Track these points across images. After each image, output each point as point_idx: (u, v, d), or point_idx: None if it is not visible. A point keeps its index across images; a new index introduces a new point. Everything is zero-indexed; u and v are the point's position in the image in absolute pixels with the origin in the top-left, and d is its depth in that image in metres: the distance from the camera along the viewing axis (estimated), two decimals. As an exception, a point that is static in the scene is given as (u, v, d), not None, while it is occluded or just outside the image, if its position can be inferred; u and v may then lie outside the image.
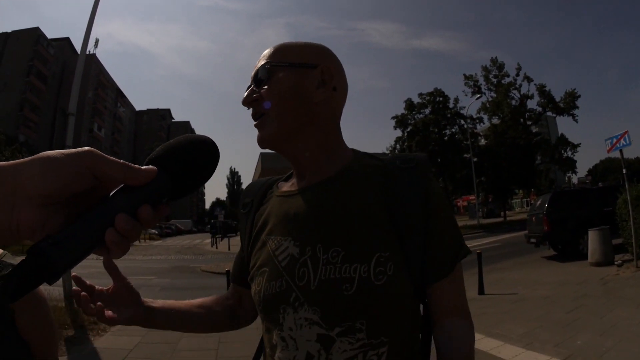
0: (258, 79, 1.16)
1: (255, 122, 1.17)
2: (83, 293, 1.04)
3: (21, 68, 68.87)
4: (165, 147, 0.73)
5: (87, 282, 1.08)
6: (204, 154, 0.75)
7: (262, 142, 1.17)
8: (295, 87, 1.14)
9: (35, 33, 71.53)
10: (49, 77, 72.64)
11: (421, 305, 1.15)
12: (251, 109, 1.18)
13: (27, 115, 69.38)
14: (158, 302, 1.26)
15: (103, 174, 0.61)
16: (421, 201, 1.09)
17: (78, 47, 77.26)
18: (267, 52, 1.19)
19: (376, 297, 1.01)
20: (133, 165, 0.64)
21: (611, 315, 6.69)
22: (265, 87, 1.14)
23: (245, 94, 1.17)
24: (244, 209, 1.33)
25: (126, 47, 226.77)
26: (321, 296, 1.03)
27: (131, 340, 6.90)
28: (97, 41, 74.57)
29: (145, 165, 0.68)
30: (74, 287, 1.05)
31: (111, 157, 0.62)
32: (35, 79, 70.79)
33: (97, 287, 1.11)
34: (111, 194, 0.64)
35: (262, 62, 1.16)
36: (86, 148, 0.61)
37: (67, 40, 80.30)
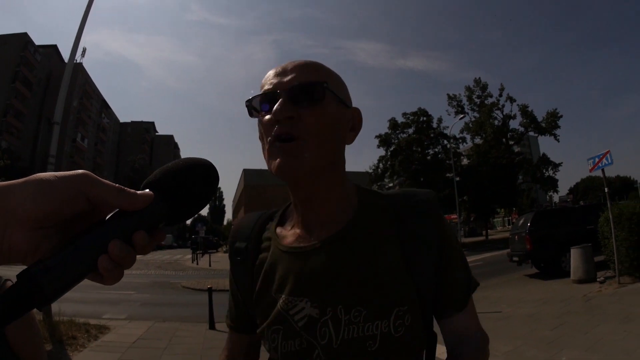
0: (304, 96, 1.02)
1: (280, 143, 1.01)
2: None
3: (7, 73, 68.26)
4: (163, 170, 0.71)
5: None
6: (203, 178, 0.72)
7: (290, 170, 1.01)
8: (338, 123, 1.07)
9: (23, 39, 71.09)
10: (34, 84, 72.09)
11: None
12: (275, 123, 1.02)
13: (10, 122, 68.70)
14: None
15: (97, 198, 0.59)
16: (437, 245, 1.09)
17: (65, 54, 75.44)
18: (311, 66, 1.07)
19: (397, 348, 1.02)
20: (129, 189, 0.62)
21: (595, 331, 6.71)
22: (312, 109, 1.01)
23: (280, 106, 0.99)
24: (238, 256, 1.24)
25: (112, 58, 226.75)
26: (345, 354, 1.01)
27: (110, 357, 6.82)
28: (84, 50, 74.56)
29: (142, 190, 0.66)
30: None
31: (106, 181, 0.61)
32: (20, 85, 70.27)
33: None
34: (106, 218, 0.63)
35: (314, 79, 1.03)
36: (81, 171, 0.60)
37: (54, 47, 79.79)
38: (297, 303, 1.06)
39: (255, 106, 1.07)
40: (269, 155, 1.03)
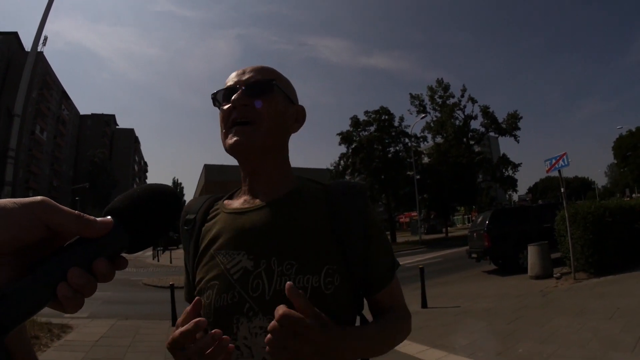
0: (257, 90, 1.24)
1: (237, 126, 1.22)
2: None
3: (-36, 60, 64.73)
4: (124, 198, 0.71)
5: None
6: (165, 206, 0.72)
7: (242, 146, 1.21)
8: (284, 114, 1.28)
9: None
10: None
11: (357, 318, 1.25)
12: (232, 111, 1.23)
13: (-35, 112, 65.15)
14: None
15: (56, 225, 0.58)
16: (362, 223, 1.22)
17: (25, 42, 72.10)
18: (265, 68, 1.30)
19: (326, 305, 1.08)
20: (88, 216, 0.62)
21: (550, 324, 6.88)
22: (263, 100, 1.23)
23: (238, 96, 1.22)
24: (186, 226, 1.34)
25: (74, 48, 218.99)
26: (276, 305, 1.03)
27: (73, 356, 6.69)
28: (46, 39, 71.93)
29: (104, 216, 0.66)
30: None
31: (65, 208, 0.60)
32: (-23, 73, 66.57)
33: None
34: (65, 245, 0.62)
35: (266, 77, 1.27)
36: (39, 198, 0.59)
37: (14, 34, 75.79)
38: (235, 256, 1.17)
39: (218, 99, 1.29)
40: (226, 136, 1.24)
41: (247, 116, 1.21)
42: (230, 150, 1.22)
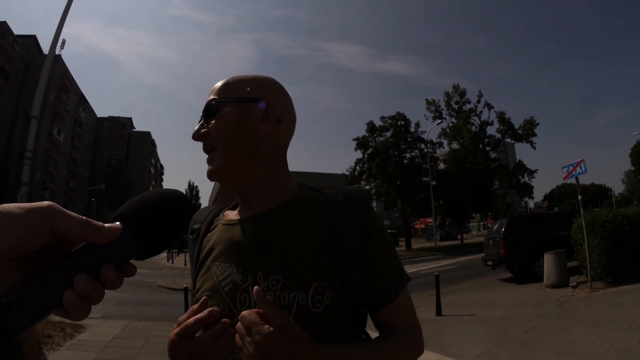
0: (207, 114, 1.20)
1: (207, 155, 1.20)
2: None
3: (-17, 63, 65.53)
4: (134, 203, 0.70)
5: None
6: (175, 212, 0.72)
7: (210, 175, 1.20)
8: (240, 122, 1.17)
9: (2, 28, 67.91)
10: (11, 75, 68.95)
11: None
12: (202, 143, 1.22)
13: (-16, 114, 66.02)
14: None
15: (63, 231, 0.58)
16: (362, 233, 1.13)
17: (44, 46, 72.93)
18: (216, 86, 1.23)
19: (313, 324, 1.03)
20: (96, 222, 0.61)
21: (567, 334, 6.80)
22: (213, 122, 1.18)
23: (195, 128, 1.22)
24: (192, 235, 1.34)
25: (91, 51, 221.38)
26: None
27: (86, 356, 6.70)
28: (64, 42, 72.56)
29: (112, 222, 0.66)
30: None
31: (72, 213, 0.60)
32: (-3, 75, 67.31)
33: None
34: (72, 251, 0.61)
35: (210, 98, 1.21)
36: (46, 203, 0.59)
37: (33, 38, 76.47)
38: (226, 269, 1.15)
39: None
40: None
41: (208, 144, 1.20)
42: (210, 180, 1.23)
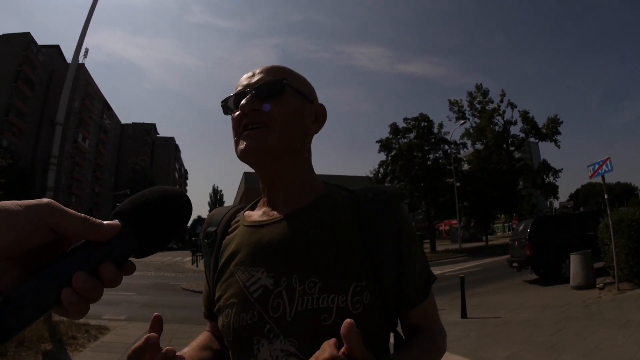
0: (266, 92, 1.14)
1: (247, 131, 1.13)
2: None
3: (9, 72, 67.59)
4: (133, 200, 0.70)
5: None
6: (175, 210, 0.71)
7: (252, 151, 1.12)
8: (300, 114, 1.18)
9: (26, 38, 70.49)
10: (36, 84, 71.33)
11: (391, 335, 1.18)
12: (243, 117, 1.15)
13: (11, 121, 68.01)
14: None
15: (61, 228, 0.58)
16: (394, 232, 1.12)
17: (67, 55, 75.24)
18: (274, 68, 1.20)
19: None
20: (94, 219, 0.61)
21: (594, 337, 6.71)
22: (274, 102, 1.13)
23: (246, 100, 1.13)
24: (207, 239, 1.29)
25: (114, 59, 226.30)
26: (298, 327, 1.02)
27: (109, 357, 6.78)
28: (87, 51, 73.95)
29: (111, 219, 0.65)
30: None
31: (71, 210, 0.60)
32: (22, 85, 69.58)
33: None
34: (70, 249, 0.61)
35: (276, 77, 1.17)
36: (44, 200, 0.58)
37: (57, 47, 79.19)
38: (254, 274, 1.10)
39: (230, 105, 1.20)
40: (237, 143, 1.15)
41: (258, 120, 1.12)
42: (241, 155, 1.13)
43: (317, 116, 1.24)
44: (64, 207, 0.59)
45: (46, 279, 0.56)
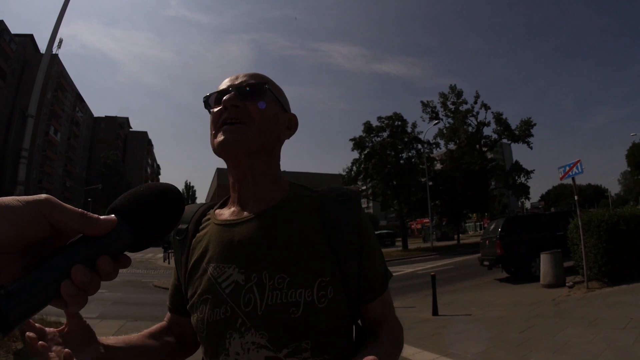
0: (248, 92, 1.23)
1: (226, 125, 1.19)
2: (30, 334, 0.93)
3: (-20, 62, 65.04)
4: (128, 196, 0.72)
5: (37, 325, 0.99)
6: (169, 205, 0.73)
7: (230, 144, 1.18)
8: (276, 120, 1.27)
9: None
10: (8, 74, 68.44)
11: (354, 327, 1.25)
12: (223, 113, 1.21)
13: (-19, 112, 65.47)
14: (111, 340, 1.15)
15: (60, 223, 0.60)
16: (355, 231, 1.20)
17: (41, 45, 72.70)
18: (257, 74, 1.29)
19: (319, 319, 1.09)
20: (92, 214, 0.63)
21: (563, 334, 6.82)
22: (255, 101, 1.22)
23: (229, 96, 1.20)
24: (179, 236, 1.33)
25: (88, 51, 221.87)
26: (269, 320, 1.08)
27: (79, 353, 6.63)
28: (61, 41, 72.37)
29: (107, 214, 0.68)
30: (27, 333, 0.93)
31: (69, 206, 0.61)
32: (-6, 75, 66.82)
33: (47, 329, 1.01)
34: (68, 243, 0.63)
35: (260, 81, 1.26)
36: (43, 195, 0.60)
37: (30, 37, 75.92)
38: (226, 270, 1.15)
39: (210, 102, 1.28)
40: (215, 136, 1.21)
41: (238, 117, 1.19)
42: (219, 147, 1.19)
43: (290, 125, 1.34)
44: (62, 202, 0.60)
45: (46, 272, 0.58)
